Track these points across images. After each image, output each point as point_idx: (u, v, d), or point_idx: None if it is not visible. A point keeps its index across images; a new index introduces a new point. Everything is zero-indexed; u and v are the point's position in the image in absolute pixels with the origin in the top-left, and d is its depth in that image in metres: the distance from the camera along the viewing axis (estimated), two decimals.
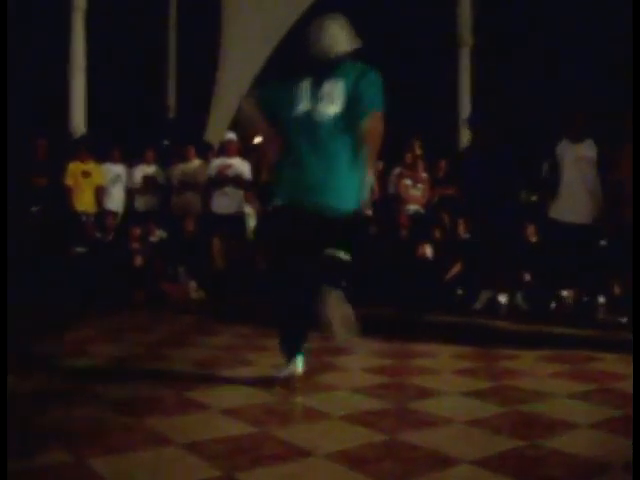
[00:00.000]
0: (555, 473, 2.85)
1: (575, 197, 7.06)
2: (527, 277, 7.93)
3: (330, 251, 3.97)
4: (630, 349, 5.47)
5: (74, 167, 9.79)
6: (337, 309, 3.85)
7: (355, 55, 4.23)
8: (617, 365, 4.97)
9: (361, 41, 4.25)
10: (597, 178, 7.09)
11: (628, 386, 4.31)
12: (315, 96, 4.06)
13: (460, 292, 8.20)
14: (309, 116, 4.06)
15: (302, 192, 4.07)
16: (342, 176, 4.03)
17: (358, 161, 4.05)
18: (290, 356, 4.21)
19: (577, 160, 7.06)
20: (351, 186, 4.05)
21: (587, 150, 7.11)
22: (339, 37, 4.17)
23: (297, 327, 4.22)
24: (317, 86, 4.08)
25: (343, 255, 3.98)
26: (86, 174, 9.84)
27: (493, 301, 7.80)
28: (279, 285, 4.21)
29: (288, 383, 4.17)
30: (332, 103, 4.03)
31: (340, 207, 4.02)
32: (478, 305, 7.80)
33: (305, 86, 4.10)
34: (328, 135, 4.04)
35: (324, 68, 4.12)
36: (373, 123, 4.03)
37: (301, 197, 4.08)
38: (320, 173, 4.02)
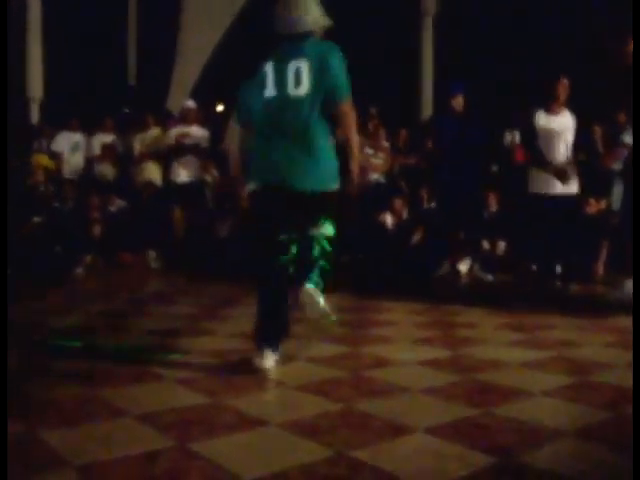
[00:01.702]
0: (508, 440, 2.86)
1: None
2: (486, 245, 7.98)
3: (314, 230, 3.90)
4: (584, 316, 5.57)
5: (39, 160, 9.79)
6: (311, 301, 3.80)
7: (326, 34, 4.07)
8: (572, 333, 5.03)
9: (332, 21, 4.07)
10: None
11: (582, 354, 4.38)
12: (281, 78, 3.90)
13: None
14: (277, 99, 3.92)
15: (276, 174, 3.90)
16: (313, 156, 3.86)
17: (329, 142, 3.93)
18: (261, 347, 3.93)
19: (560, 131, 6.93)
20: (324, 166, 3.90)
21: (568, 120, 7.00)
22: (312, 12, 3.98)
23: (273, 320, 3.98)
24: (282, 67, 3.91)
25: (326, 230, 3.91)
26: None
27: (454, 269, 7.85)
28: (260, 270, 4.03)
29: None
30: (300, 84, 3.87)
31: (314, 187, 3.87)
32: (439, 273, 7.83)
33: (269, 68, 3.95)
34: (297, 117, 3.88)
35: (288, 47, 3.96)
36: (347, 119, 3.93)
37: (276, 179, 3.90)
38: (293, 154, 3.87)
